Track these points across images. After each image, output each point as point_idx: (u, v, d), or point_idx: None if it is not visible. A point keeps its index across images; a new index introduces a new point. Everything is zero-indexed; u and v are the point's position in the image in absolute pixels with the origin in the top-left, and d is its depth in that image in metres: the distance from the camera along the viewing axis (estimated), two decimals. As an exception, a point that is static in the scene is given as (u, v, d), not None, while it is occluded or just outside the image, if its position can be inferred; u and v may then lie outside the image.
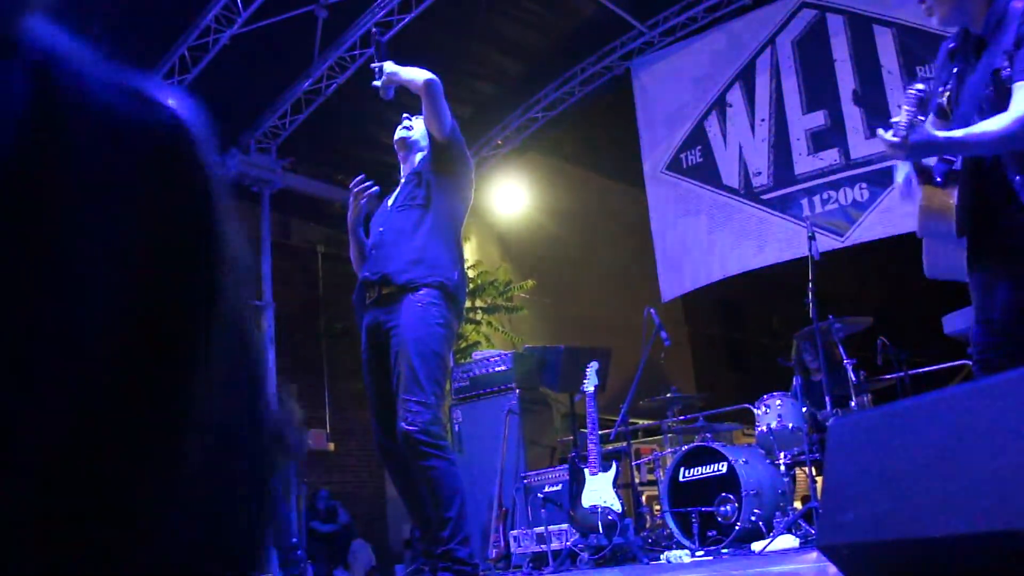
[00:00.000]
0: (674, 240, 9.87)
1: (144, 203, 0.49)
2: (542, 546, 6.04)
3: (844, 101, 8.73)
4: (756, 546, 5.15)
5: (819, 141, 8.86)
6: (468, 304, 10.13)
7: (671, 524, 5.76)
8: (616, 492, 5.57)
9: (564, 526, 5.92)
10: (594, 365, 6.00)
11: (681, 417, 7.10)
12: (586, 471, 5.69)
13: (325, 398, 10.95)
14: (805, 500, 5.58)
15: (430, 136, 3.90)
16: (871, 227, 8.39)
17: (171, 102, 0.54)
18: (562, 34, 10.13)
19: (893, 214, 8.15)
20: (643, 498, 7.39)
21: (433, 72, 3.83)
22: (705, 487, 5.65)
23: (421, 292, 3.66)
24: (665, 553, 5.41)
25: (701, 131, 9.76)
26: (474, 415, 7.16)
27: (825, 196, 8.73)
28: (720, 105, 9.63)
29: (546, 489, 6.30)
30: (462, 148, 3.97)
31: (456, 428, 7.27)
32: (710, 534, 5.50)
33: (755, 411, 6.14)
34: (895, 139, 2.69)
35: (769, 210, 9.11)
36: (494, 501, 6.55)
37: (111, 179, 0.49)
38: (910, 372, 6.28)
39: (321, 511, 9.84)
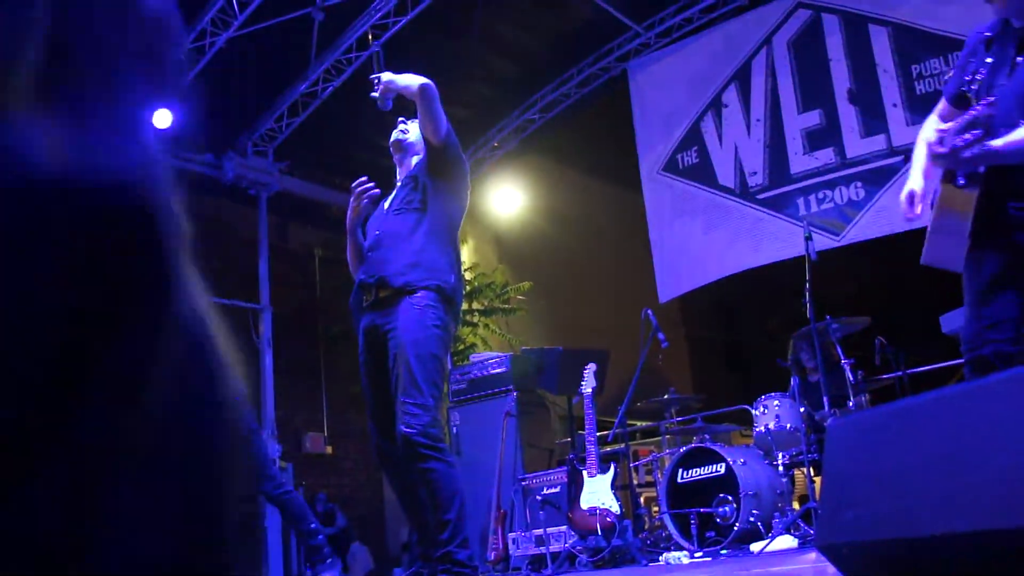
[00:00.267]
0: (671, 241, 9.88)
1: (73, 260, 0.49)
2: (541, 548, 6.03)
3: (839, 100, 8.75)
4: (755, 547, 5.15)
5: (814, 140, 8.88)
6: (465, 306, 10.13)
7: (670, 525, 5.75)
8: (614, 494, 5.57)
9: (563, 528, 5.91)
10: (592, 367, 5.99)
11: (679, 418, 7.10)
12: (584, 473, 5.69)
13: (323, 401, 10.93)
14: (803, 500, 5.58)
15: (426, 140, 3.90)
16: (867, 226, 8.40)
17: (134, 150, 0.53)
18: (558, 36, 10.15)
19: (889, 213, 8.17)
20: (641, 500, 7.37)
21: (429, 75, 3.83)
22: (703, 488, 5.65)
23: (418, 295, 3.66)
24: (664, 554, 5.40)
25: (697, 132, 9.77)
26: (472, 417, 7.16)
27: (821, 195, 8.74)
28: (716, 106, 9.65)
29: (544, 491, 6.29)
30: (458, 152, 3.98)
31: (454, 430, 7.26)
32: (709, 535, 5.49)
33: (753, 412, 6.14)
34: (943, 149, 2.64)
35: (765, 210, 9.12)
36: (492, 503, 6.54)
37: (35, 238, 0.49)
38: (908, 372, 6.28)
39: (319, 514, 9.83)
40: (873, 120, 8.51)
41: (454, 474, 3.56)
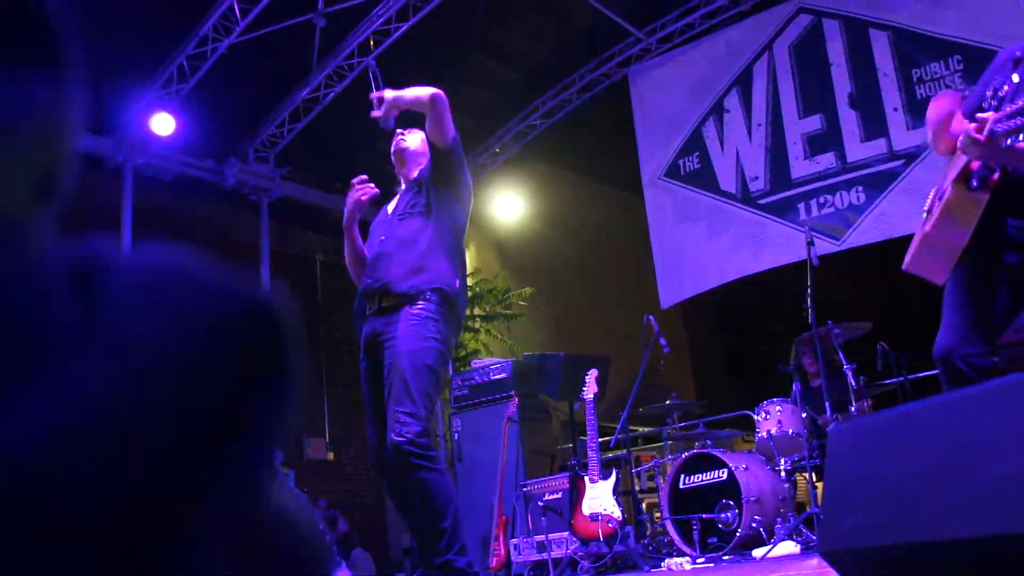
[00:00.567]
0: (673, 247, 9.87)
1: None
2: (542, 554, 6.02)
3: (840, 105, 8.75)
4: (757, 553, 5.14)
5: (815, 145, 8.88)
6: (467, 312, 10.13)
7: (672, 531, 5.74)
8: (616, 500, 5.56)
9: (565, 534, 5.90)
10: (593, 373, 5.99)
11: (681, 424, 7.09)
12: (586, 479, 5.68)
13: (324, 406, 10.92)
14: (803, 508, 5.57)
15: (432, 145, 3.91)
16: (867, 231, 8.40)
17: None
18: (560, 41, 10.16)
19: (890, 218, 8.17)
20: (643, 505, 7.37)
21: (430, 81, 3.83)
22: (705, 494, 5.64)
23: (419, 306, 3.65)
24: (666, 560, 5.40)
25: (699, 137, 9.78)
26: (474, 423, 7.16)
27: (822, 200, 8.74)
28: (717, 111, 9.65)
29: (546, 497, 6.29)
30: (462, 158, 3.99)
31: (456, 436, 7.26)
32: (711, 541, 5.49)
33: (755, 417, 6.13)
34: (980, 136, 2.60)
35: (766, 215, 9.11)
36: (494, 509, 6.53)
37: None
38: (910, 377, 6.28)
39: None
40: (874, 124, 8.51)
41: (447, 481, 3.55)
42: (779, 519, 5.42)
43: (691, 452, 5.93)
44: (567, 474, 6.01)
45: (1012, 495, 1.37)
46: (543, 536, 6.05)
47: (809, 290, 5.62)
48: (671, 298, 9.87)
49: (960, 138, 2.66)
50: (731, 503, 5.46)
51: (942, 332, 2.86)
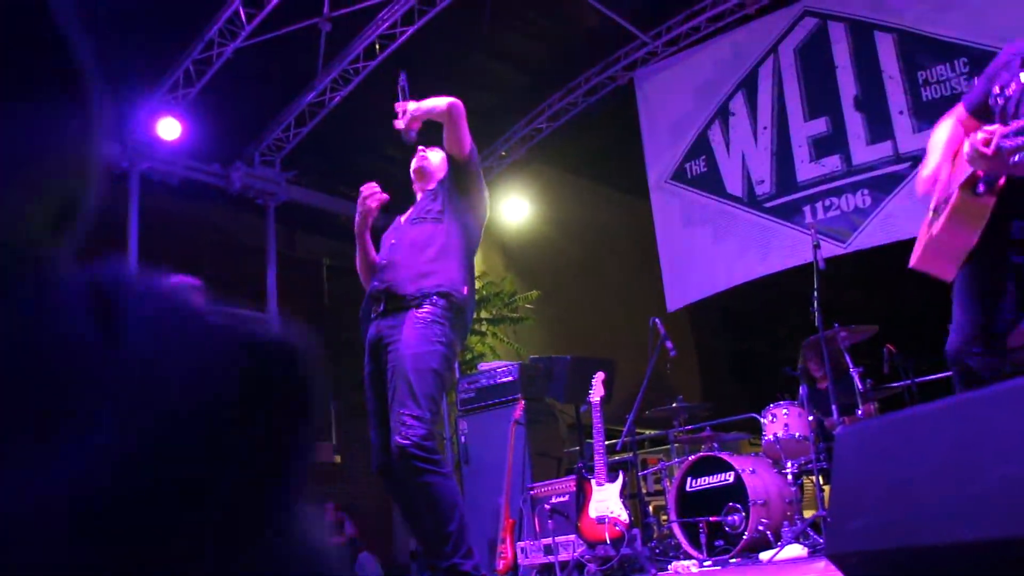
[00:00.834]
0: (679, 250, 9.87)
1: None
2: (549, 557, 6.02)
3: (846, 108, 8.75)
4: (764, 556, 5.14)
5: (821, 148, 8.88)
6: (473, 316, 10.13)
7: (678, 534, 5.74)
8: (623, 502, 5.56)
9: (571, 537, 5.90)
10: (600, 375, 5.99)
11: (687, 427, 7.09)
12: (593, 482, 5.68)
13: (330, 410, 10.93)
14: (810, 510, 5.56)
15: (449, 156, 3.93)
16: (873, 233, 8.39)
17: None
18: (565, 45, 10.16)
19: (896, 220, 8.16)
20: (650, 508, 7.35)
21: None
22: (712, 497, 5.64)
23: (425, 309, 3.65)
24: (673, 563, 5.39)
25: (705, 140, 9.78)
26: (480, 426, 7.16)
27: (827, 203, 8.73)
28: (723, 114, 9.65)
29: (553, 500, 6.29)
30: (479, 169, 4.01)
31: (462, 439, 7.26)
32: (718, 544, 5.48)
33: (762, 420, 6.13)
34: (988, 151, 2.60)
35: (772, 218, 9.11)
36: (501, 512, 6.53)
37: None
38: (917, 380, 6.26)
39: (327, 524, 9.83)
40: (879, 127, 8.51)
41: (452, 485, 3.53)
42: (786, 522, 5.42)
43: (698, 455, 5.93)
44: (574, 477, 6.00)
45: (1019, 498, 1.37)
46: (550, 539, 6.05)
47: (815, 293, 5.61)
48: (677, 301, 9.87)
49: (967, 150, 2.66)
50: (738, 506, 5.46)
51: (951, 333, 2.87)
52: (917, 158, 8.16)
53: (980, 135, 2.62)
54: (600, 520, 5.50)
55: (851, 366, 5.80)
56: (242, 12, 7.84)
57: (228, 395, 0.49)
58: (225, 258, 9.79)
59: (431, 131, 3.92)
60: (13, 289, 0.46)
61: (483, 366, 7.76)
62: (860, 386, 5.72)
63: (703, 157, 9.76)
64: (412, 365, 3.53)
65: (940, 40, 8.17)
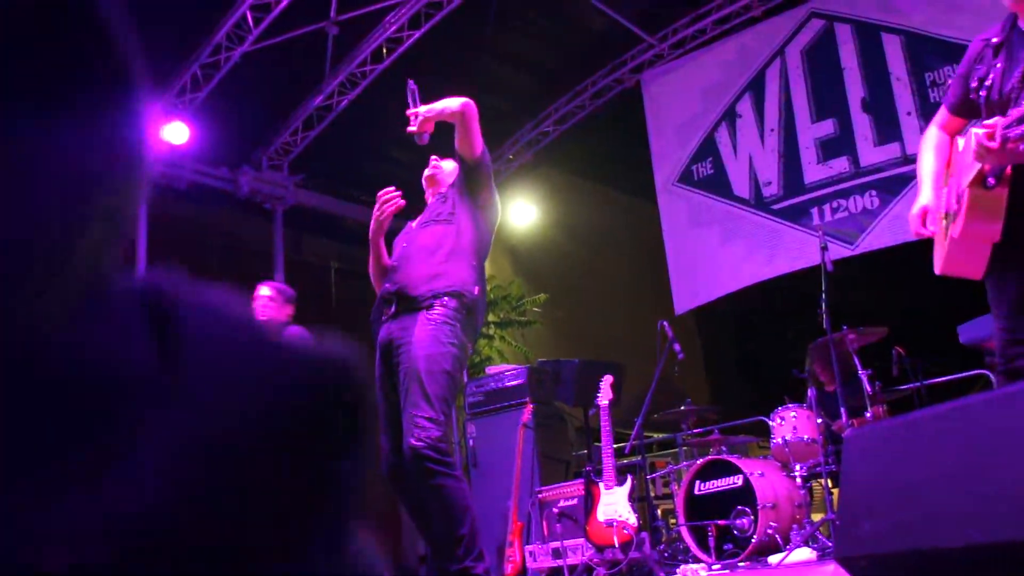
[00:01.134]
0: (687, 253, 9.86)
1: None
2: (558, 561, 6.01)
3: (853, 109, 8.73)
4: (773, 559, 5.12)
5: (828, 149, 8.86)
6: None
7: (687, 538, 5.73)
8: (631, 506, 5.55)
9: (580, 540, 5.89)
10: (608, 379, 5.98)
11: (696, 430, 7.07)
12: (601, 485, 5.67)
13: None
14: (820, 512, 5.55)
15: (460, 159, 3.93)
16: (881, 234, 8.38)
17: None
18: (572, 48, 10.16)
19: (904, 222, 8.10)
20: (658, 512, 7.35)
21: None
22: (721, 500, 5.62)
23: (436, 311, 3.65)
24: (681, 567, 5.38)
25: (712, 142, 9.77)
26: (489, 430, 7.16)
27: (835, 205, 8.72)
28: (730, 116, 9.65)
29: (561, 503, 6.28)
30: (490, 172, 4.01)
31: (471, 443, 7.26)
32: (726, 547, 5.47)
33: (770, 423, 6.12)
34: (993, 144, 2.58)
35: (780, 220, 9.10)
36: (509, 516, 6.53)
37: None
38: (926, 382, 6.24)
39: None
40: (887, 128, 8.49)
41: (464, 488, 3.52)
42: (795, 525, 5.40)
43: (706, 458, 5.92)
44: (582, 480, 5.99)
45: (1030, 500, 1.36)
46: (558, 542, 6.05)
47: (823, 295, 5.60)
48: (685, 304, 9.86)
49: (973, 148, 2.63)
50: (746, 509, 5.45)
51: (996, 338, 2.84)
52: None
53: (982, 130, 2.60)
54: (609, 524, 5.49)
55: (860, 368, 5.78)
56: (249, 16, 7.85)
57: (288, 417, 0.49)
58: (233, 262, 9.80)
59: (442, 135, 3.92)
60: (78, 309, 0.45)
61: (491, 369, 7.75)
62: (869, 388, 5.70)
63: (710, 159, 9.75)
64: (424, 367, 3.53)
65: (948, 41, 8.15)
